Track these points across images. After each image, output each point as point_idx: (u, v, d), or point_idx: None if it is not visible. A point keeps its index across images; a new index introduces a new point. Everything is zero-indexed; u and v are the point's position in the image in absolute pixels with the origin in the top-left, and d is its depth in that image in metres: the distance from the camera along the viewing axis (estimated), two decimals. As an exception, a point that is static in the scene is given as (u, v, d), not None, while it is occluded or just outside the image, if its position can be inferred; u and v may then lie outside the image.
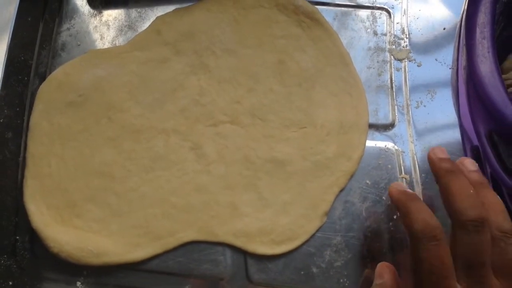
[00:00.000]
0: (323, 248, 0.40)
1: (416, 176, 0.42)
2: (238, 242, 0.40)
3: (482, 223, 0.30)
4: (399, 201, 0.34)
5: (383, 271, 0.35)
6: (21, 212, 0.40)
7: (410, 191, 0.35)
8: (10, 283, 0.38)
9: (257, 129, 0.42)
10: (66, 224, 0.39)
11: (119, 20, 0.46)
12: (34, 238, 0.39)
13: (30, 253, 0.40)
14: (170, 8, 0.46)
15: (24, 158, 0.41)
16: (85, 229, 0.39)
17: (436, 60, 0.46)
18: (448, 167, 0.34)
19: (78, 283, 0.39)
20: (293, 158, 0.42)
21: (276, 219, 0.40)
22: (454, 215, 0.31)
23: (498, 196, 0.33)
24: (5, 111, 0.42)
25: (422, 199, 0.41)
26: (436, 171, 0.34)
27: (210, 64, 0.44)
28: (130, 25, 0.46)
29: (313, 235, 0.40)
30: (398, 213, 0.41)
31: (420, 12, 0.47)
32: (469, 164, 0.35)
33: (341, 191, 0.42)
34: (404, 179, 0.42)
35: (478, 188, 0.33)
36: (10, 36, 0.43)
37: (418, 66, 0.46)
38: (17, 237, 0.40)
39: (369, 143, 0.43)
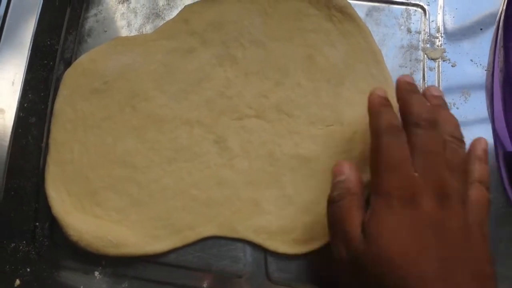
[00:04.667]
0: (346, 250, 0.39)
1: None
2: (259, 239, 0.39)
3: (434, 123, 0.34)
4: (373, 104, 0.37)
5: (343, 168, 0.35)
6: (41, 198, 0.40)
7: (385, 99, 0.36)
8: (28, 269, 0.38)
9: (282, 125, 0.41)
10: (87, 212, 0.39)
11: (146, 8, 0.45)
12: (53, 225, 0.39)
13: (49, 240, 0.39)
14: (198, -3, 0.45)
15: (47, 144, 0.40)
16: (105, 218, 0.39)
17: (471, 61, 0.44)
18: (411, 88, 0.36)
19: (96, 273, 0.38)
20: (318, 155, 0.41)
21: (298, 217, 0.39)
22: (409, 118, 0.35)
23: (455, 118, 0.36)
24: (30, 95, 0.41)
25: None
26: (400, 91, 0.37)
27: (238, 55, 0.43)
28: (157, 13, 0.45)
29: (336, 236, 0.39)
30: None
31: (456, 11, 0.46)
32: (433, 90, 0.37)
33: (366, 192, 0.40)
34: None
35: (435, 107, 0.36)
36: (37, 20, 0.43)
37: (452, 66, 0.44)
38: (37, 224, 0.40)
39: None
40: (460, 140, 0.35)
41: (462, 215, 0.32)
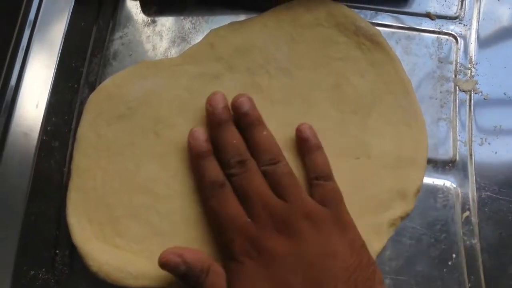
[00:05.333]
0: (370, 289, 0.38)
1: (475, 219, 0.40)
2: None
3: (243, 162, 0.35)
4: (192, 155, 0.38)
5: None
6: (62, 224, 0.39)
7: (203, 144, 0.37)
8: (47, 297, 0.38)
9: (308, 156, 0.40)
10: (107, 242, 0.38)
11: (172, 31, 0.44)
12: (73, 253, 0.39)
13: (69, 269, 0.39)
14: (225, 20, 0.44)
15: (69, 169, 0.40)
16: (125, 249, 0.38)
17: (504, 94, 0.43)
18: (219, 120, 0.37)
19: (115, 303, 0.38)
20: (344, 190, 0.39)
21: (322, 253, 0.38)
22: (224, 167, 0.36)
23: (264, 132, 0.37)
24: (53, 118, 0.41)
25: (479, 244, 0.39)
26: (209, 123, 0.38)
27: (263, 83, 0.42)
28: (183, 37, 0.44)
29: (360, 274, 0.38)
30: (453, 259, 0.38)
31: (489, 41, 0.44)
32: (241, 104, 0.37)
33: (392, 229, 0.39)
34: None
35: (246, 132, 0.37)
36: (62, 42, 0.43)
37: (484, 99, 0.43)
38: (57, 251, 0.39)
39: (426, 180, 0.40)
40: (274, 158, 0.36)
41: (311, 229, 0.33)
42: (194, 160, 0.37)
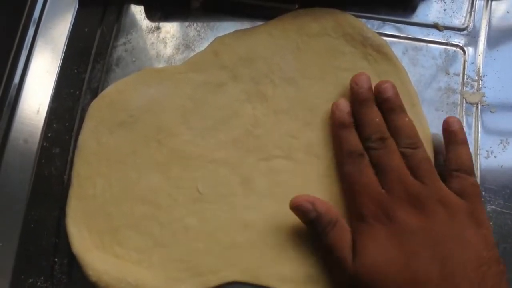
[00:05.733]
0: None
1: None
2: (284, 288, 0.37)
3: (384, 139, 0.36)
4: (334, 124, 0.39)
5: (315, 204, 0.36)
6: (62, 232, 0.39)
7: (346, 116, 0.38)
8: (45, 306, 0.37)
9: (312, 167, 0.40)
10: (107, 251, 0.38)
11: (176, 38, 0.44)
12: (73, 261, 0.38)
13: (67, 277, 0.38)
14: (230, 28, 0.44)
15: (69, 176, 0.40)
16: (125, 259, 0.38)
17: (512, 107, 0.42)
18: (362, 98, 0.38)
19: (114, 314, 0.37)
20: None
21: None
22: (362, 137, 0.37)
23: (406, 118, 0.37)
24: (54, 125, 0.41)
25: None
26: (352, 102, 0.39)
27: (268, 93, 0.41)
28: (187, 44, 0.44)
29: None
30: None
31: (498, 53, 0.44)
32: (385, 89, 0.38)
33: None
34: None
35: (387, 115, 0.38)
36: (65, 47, 0.42)
37: (491, 112, 0.42)
38: (56, 259, 0.39)
39: (431, 192, 0.40)
40: (415, 143, 0.36)
41: (445, 214, 0.34)
42: (336, 128, 0.39)
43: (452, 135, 0.37)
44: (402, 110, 0.38)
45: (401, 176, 0.35)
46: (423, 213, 0.34)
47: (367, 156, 0.37)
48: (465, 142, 0.37)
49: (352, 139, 0.37)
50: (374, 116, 0.37)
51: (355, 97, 0.38)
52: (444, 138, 0.38)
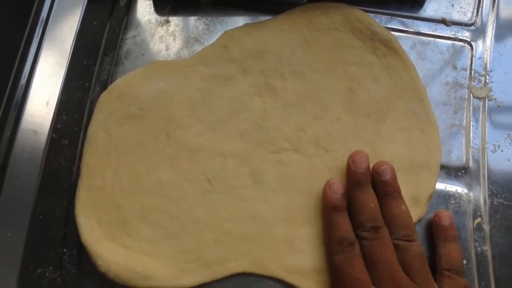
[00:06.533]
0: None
1: (487, 226, 0.39)
2: (291, 279, 0.38)
3: (378, 228, 0.35)
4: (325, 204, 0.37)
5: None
6: (70, 223, 0.39)
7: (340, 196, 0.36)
8: (54, 297, 0.37)
9: (320, 160, 0.40)
10: (116, 242, 0.38)
11: (185, 32, 0.44)
12: (81, 252, 0.38)
13: (76, 268, 0.38)
14: (239, 22, 0.44)
15: (78, 168, 0.40)
16: (135, 250, 0.38)
17: (519, 101, 0.42)
18: (358, 180, 0.36)
19: (123, 305, 0.37)
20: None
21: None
22: (355, 224, 0.36)
23: (403, 206, 0.36)
24: (63, 116, 0.41)
25: (490, 250, 0.38)
26: (347, 182, 0.37)
27: (277, 86, 0.42)
28: (196, 38, 0.44)
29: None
30: (464, 265, 0.38)
31: (505, 49, 0.44)
32: (384, 172, 0.37)
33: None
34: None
35: (383, 200, 0.36)
36: (74, 40, 0.42)
37: (498, 106, 0.42)
38: (65, 250, 0.39)
39: (439, 186, 0.40)
40: (410, 236, 0.35)
41: None
42: (326, 210, 0.37)
43: (443, 231, 0.37)
44: (399, 196, 0.37)
45: (393, 272, 0.34)
46: None
47: (358, 245, 0.35)
48: (455, 240, 0.37)
49: (344, 224, 0.36)
50: (370, 200, 0.36)
51: (352, 177, 0.37)
52: (434, 232, 0.37)
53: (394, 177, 0.37)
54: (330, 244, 0.36)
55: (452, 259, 0.36)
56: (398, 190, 0.37)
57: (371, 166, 0.37)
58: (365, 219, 0.35)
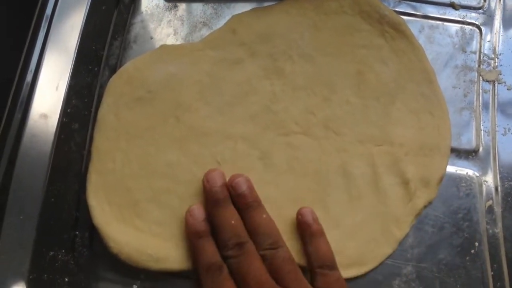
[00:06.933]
0: (391, 277, 0.38)
1: (498, 208, 0.39)
2: (302, 262, 0.38)
3: (241, 245, 0.34)
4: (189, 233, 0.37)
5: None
6: (82, 206, 0.39)
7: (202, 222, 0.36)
8: (66, 279, 0.37)
9: (330, 142, 0.40)
10: (127, 224, 0.38)
11: (194, 16, 0.44)
12: (93, 235, 0.38)
13: (89, 250, 0.38)
14: (247, 6, 0.44)
15: (89, 151, 0.40)
16: (146, 231, 0.38)
17: (528, 84, 0.42)
18: (216, 199, 0.36)
19: (135, 286, 0.37)
20: (366, 176, 0.39)
21: (343, 241, 0.38)
22: (221, 248, 0.35)
23: (263, 215, 0.35)
24: (73, 101, 0.41)
25: (502, 233, 0.38)
26: (206, 202, 0.37)
27: (286, 69, 0.42)
28: (205, 22, 0.44)
29: (381, 262, 0.38)
30: (476, 247, 0.38)
31: (514, 31, 0.44)
32: (237, 185, 0.36)
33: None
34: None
35: (244, 213, 0.35)
36: (83, 25, 0.42)
37: (508, 89, 0.42)
38: (77, 233, 0.39)
39: (449, 169, 0.40)
40: (275, 243, 0.34)
41: None
42: (190, 237, 0.36)
43: (307, 228, 0.36)
44: (258, 204, 0.36)
45: (262, 283, 0.33)
46: None
47: (226, 268, 0.34)
48: (322, 234, 0.36)
49: (209, 249, 0.35)
50: (229, 217, 0.35)
51: (208, 197, 0.36)
52: (298, 229, 0.37)
53: (250, 188, 0.36)
54: (199, 272, 0.35)
55: (322, 255, 0.35)
56: (256, 200, 0.36)
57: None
58: (228, 237, 0.34)
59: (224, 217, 0.35)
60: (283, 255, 0.34)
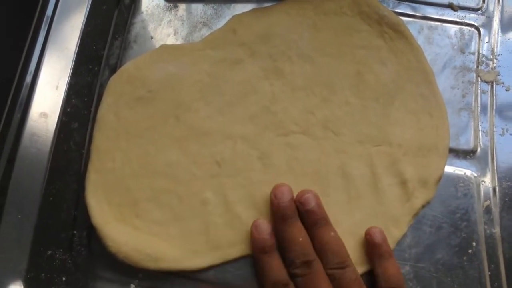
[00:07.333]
0: (390, 277, 0.38)
1: (496, 209, 0.39)
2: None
3: (310, 263, 0.34)
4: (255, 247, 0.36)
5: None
6: (80, 206, 0.39)
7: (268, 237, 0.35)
8: (64, 278, 0.37)
9: (329, 143, 0.40)
10: (126, 224, 0.38)
11: (194, 16, 0.44)
12: (91, 234, 0.38)
13: (87, 250, 0.38)
14: (247, 7, 0.44)
15: (88, 150, 0.40)
16: (144, 231, 0.38)
17: (526, 85, 0.42)
18: (284, 214, 0.35)
19: (132, 286, 0.37)
20: (365, 177, 0.39)
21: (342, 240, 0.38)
22: (286, 262, 0.35)
23: (331, 233, 0.35)
24: (73, 100, 0.41)
25: (500, 233, 0.38)
26: (274, 217, 0.36)
27: (285, 69, 0.42)
28: (205, 22, 0.44)
29: (380, 262, 0.38)
30: (474, 247, 0.38)
31: (512, 33, 0.44)
32: (306, 201, 0.36)
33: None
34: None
35: (312, 230, 0.35)
36: (83, 25, 0.43)
37: (506, 90, 0.43)
38: (75, 232, 0.39)
39: (447, 169, 0.40)
40: (343, 262, 0.34)
41: None
42: (256, 253, 0.36)
43: (376, 248, 0.36)
44: (326, 222, 0.36)
45: None
46: None
47: (292, 286, 0.34)
48: (390, 255, 0.36)
49: (275, 266, 0.34)
50: (297, 234, 0.35)
51: (276, 212, 0.36)
52: (367, 250, 0.36)
53: (319, 205, 0.36)
54: (263, 285, 0.35)
55: (390, 277, 0.35)
56: (324, 217, 0.36)
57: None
58: (295, 255, 0.34)
59: (292, 233, 0.35)
60: (350, 275, 0.34)
